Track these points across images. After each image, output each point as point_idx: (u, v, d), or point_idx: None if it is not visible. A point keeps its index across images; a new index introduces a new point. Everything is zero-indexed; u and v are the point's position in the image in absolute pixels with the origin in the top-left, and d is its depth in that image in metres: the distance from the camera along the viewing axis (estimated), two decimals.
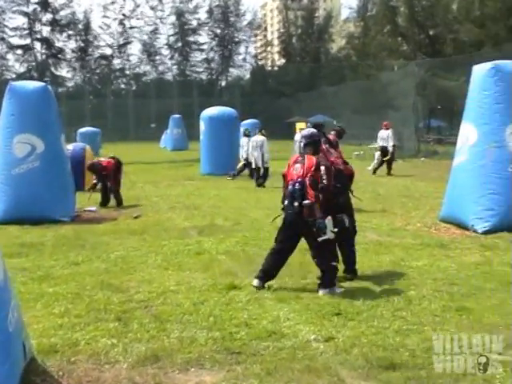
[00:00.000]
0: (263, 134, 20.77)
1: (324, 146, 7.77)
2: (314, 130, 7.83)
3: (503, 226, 10.23)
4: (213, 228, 11.59)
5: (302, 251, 9.13)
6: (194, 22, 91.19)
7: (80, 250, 9.79)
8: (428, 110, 42.95)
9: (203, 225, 12.02)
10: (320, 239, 6.86)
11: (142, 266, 8.61)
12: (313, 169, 6.91)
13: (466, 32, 52.72)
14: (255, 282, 7.28)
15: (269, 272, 7.33)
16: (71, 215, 13.24)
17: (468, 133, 11.23)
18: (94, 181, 15.78)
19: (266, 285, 7.26)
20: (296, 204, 6.95)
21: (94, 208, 14.64)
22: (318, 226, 6.80)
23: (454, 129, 34.48)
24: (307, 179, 6.88)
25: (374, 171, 22.94)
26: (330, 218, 6.89)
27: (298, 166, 7.11)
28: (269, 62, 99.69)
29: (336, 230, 7.00)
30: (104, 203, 15.25)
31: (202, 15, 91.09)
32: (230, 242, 10.04)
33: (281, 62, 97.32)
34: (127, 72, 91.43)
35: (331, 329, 5.73)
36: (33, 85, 13.78)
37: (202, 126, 24.06)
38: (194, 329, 5.86)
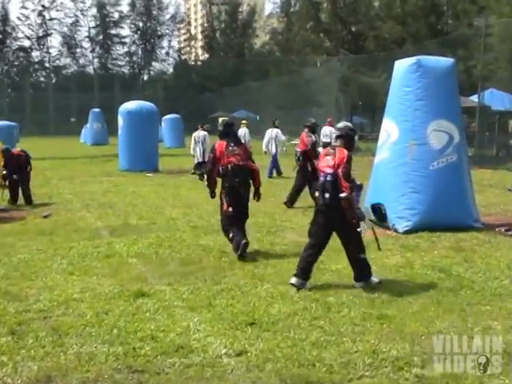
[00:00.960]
0: (204, 129, 21.45)
1: None
2: (348, 124, 7.75)
3: (424, 226, 10.04)
4: (126, 228, 11.00)
5: (218, 253, 8.80)
6: (116, 15, 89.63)
7: None
8: (350, 107, 43.15)
9: (116, 224, 11.40)
10: (359, 229, 6.84)
11: (45, 270, 7.97)
12: (345, 161, 6.78)
13: (387, 29, 53.63)
14: (293, 280, 6.95)
15: (306, 269, 7.01)
16: None
17: (389, 130, 10.97)
18: (4, 172, 14.36)
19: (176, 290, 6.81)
20: (327, 196, 6.78)
21: (1, 206, 13.76)
22: (359, 216, 6.79)
23: (375, 125, 34.82)
24: (340, 171, 6.72)
25: None
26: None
27: (328, 158, 6.95)
28: (192, 57, 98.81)
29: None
30: (14, 200, 14.35)
31: (124, 8, 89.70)
32: (143, 244, 9.47)
33: (204, 56, 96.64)
34: (47, 65, 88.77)
35: (244, 341, 5.29)
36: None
37: (121, 120, 23.19)
38: (95, 343, 5.34)
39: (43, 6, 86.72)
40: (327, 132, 22.74)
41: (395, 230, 10.20)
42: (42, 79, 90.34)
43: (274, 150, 20.93)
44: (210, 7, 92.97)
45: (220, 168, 8.76)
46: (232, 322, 5.80)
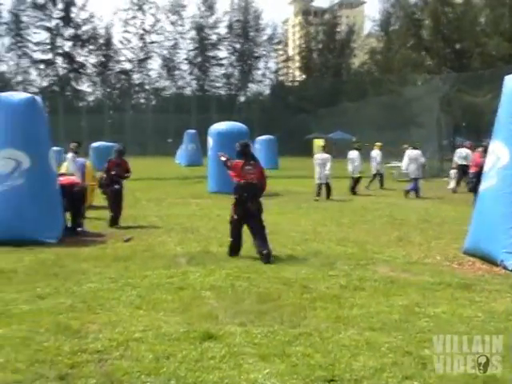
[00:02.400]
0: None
1: None
2: None
3: None
4: (205, 256, 10.34)
5: (299, 288, 7.99)
6: (214, 37, 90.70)
7: (51, 280, 8.60)
8: (453, 127, 41.33)
9: (196, 251, 10.78)
10: None
11: (112, 302, 7.38)
12: None
13: (494, 46, 51.12)
14: None
15: None
16: (58, 236, 12.11)
17: (499, 153, 9.78)
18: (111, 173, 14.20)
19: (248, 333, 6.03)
20: None
21: (85, 229, 13.44)
22: None
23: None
24: None
25: (454, 190, 23.72)
26: None
27: None
28: (289, 78, 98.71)
29: None
30: (114, 221, 14.09)
31: (222, 30, 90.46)
32: (220, 275, 8.75)
33: (301, 77, 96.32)
34: (147, 87, 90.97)
35: None
36: (19, 96, 12.66)
37: (210, 141, 22.81)
38: None
39: (144, 29, 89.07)
40: (463, 154, 23.63)
41: (504, 267, 9.01)
42: (142, 101, 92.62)
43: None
44: (307, 28, 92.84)
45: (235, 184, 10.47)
46: (307, 377, 4.94)
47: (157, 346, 5.77)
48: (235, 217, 10.39)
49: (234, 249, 10.37)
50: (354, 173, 22.51)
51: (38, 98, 12.84)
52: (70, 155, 17.49)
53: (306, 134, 59.09)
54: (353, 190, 22.42)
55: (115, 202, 14.06)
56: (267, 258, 9.70)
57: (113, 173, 14.01)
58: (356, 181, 22.57)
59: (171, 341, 5.93)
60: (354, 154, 22.67)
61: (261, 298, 7.50)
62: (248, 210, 10.26)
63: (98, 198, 16.38)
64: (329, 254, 10.33)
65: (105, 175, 14.18)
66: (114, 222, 13.99)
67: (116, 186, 14.00)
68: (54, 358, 5.51)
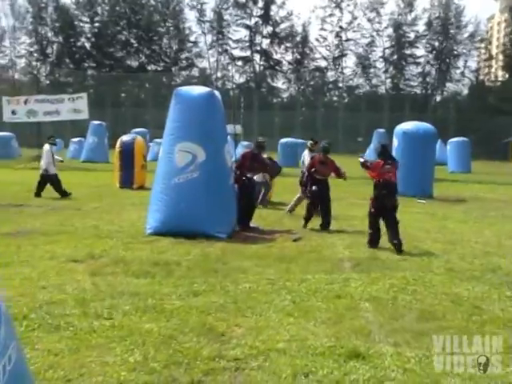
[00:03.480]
0: None
1: None
2: None
3: None
4: (373, 262, 9.70)
5: (470, 307, 7.15)
6: (412, 35, 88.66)
7: (210, 276, 8.47)
8: None
9: (364, 257, 10.17)
10: None
11: (263, 306, 7.05)
12: None
13: None
14: None
15: None
16: (228, 231, 12.12)
17: None
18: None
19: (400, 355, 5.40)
20: None
21: (256, 225, 13.34)
22: None
23: None
24: None
25: None
26: None
27: None
28: (490, 77, 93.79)
29: None
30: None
31: (421, 27, 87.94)
32: (383, 285, 8.10)
33: (504, 77, 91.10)
34: (340, 85, 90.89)
35: None
36: (198, 90, 12.81)
37: (395, 141, 21.95)
38: None
39: (341, 27, 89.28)
40: None
41: None
42: (334, 98, 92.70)
43: None
44: None
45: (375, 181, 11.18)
46: None
47: (298, 360, 5.33)
48: (373, 210, 11.15)
49: (373, 241, 11.12)
50: None
51: (217, 93, 12.90)
52: (46, 146, 19.31)
53: (505, 137, 55.66)
54: None
55: (312, 203, 13.66)
56: (398, 247, 10.59)
57: (313, 170, 13.64)
58: None
59: (314, 355, 5.46)
60: None
61: (423, 315, 6.77)
62: (385, 205, 10.96)
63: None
64: (510, 271, 9.27)
65: (307, 174, 13.88)
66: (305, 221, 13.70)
67: (314, 188, 13.56)
68: (191, 362, 5.29)
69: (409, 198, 19.61)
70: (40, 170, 19.33)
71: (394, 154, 21.91)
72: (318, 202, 13.45)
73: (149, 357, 5.37)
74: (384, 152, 11.53)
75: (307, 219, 13.58)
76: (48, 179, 18.94)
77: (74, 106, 33.53)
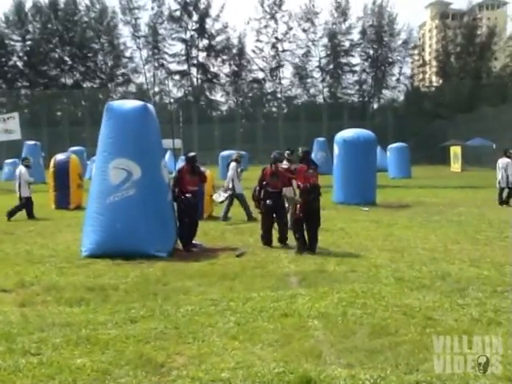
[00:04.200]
0: (508, 156, 20.38)
1: None
2: None
3: None
4: (319, 275, 9.30)
5: (423, 319, 6.83)
6: (347, 43, 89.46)
7: (149, 300, 7.98)
8: None
9: (310, 270, 9.75)
10: None
11: (207, 330, 6.58)
12: None
13: None
14: None
15: None
16: (168, 249, 11.60)
17: None
18: None
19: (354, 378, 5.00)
20: None
21: (198, 243, 12.80)
22: None
23: None
24: None
25: None
26: None
27: None
28: (425, 83, 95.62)
29: None
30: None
31: (355, 36, 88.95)
32: (332, 300, 7.70)
33: (438, 82, 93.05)
34: (279, 95, 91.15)
35: None
36: (131, 104, 12.27)
37: (336, 149, 21.75)
38: None
39: (276, 38, 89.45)
40: None
41: None
42: (274, 109, 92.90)
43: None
44: (445, 31, 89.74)
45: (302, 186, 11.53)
46: None
47: None
48: (301, 215, 11.44)
49: (302, 246, 11.50)
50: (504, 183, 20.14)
51: (150, 106, 12.39)
52: (22, 168, 19.16)
53: (442, 142, 56.56)
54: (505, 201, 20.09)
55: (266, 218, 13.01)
56: (314, 247, 11.44)
57: (264, 183, 12.94)
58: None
59: None
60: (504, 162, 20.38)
61: (375, 330, 6.39)
62: (313, 209, 11.44)
63: None
64: (460, 278, 9.00)
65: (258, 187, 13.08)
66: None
67: (268, 202, 12.86)
68: None
69: (353, 207, 19.46)
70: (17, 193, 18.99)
71: (335, 162, 21.94)
72: (273, 217, 12.83)
73: None
74: (306, 157, 11.92)
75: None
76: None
77: (5, 127, 32.36)
